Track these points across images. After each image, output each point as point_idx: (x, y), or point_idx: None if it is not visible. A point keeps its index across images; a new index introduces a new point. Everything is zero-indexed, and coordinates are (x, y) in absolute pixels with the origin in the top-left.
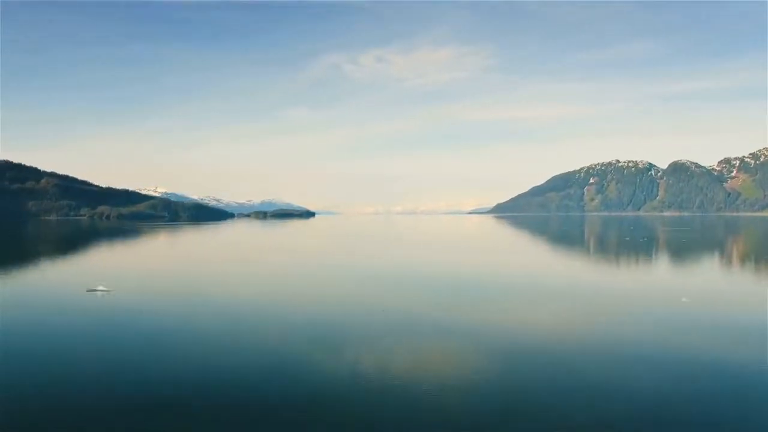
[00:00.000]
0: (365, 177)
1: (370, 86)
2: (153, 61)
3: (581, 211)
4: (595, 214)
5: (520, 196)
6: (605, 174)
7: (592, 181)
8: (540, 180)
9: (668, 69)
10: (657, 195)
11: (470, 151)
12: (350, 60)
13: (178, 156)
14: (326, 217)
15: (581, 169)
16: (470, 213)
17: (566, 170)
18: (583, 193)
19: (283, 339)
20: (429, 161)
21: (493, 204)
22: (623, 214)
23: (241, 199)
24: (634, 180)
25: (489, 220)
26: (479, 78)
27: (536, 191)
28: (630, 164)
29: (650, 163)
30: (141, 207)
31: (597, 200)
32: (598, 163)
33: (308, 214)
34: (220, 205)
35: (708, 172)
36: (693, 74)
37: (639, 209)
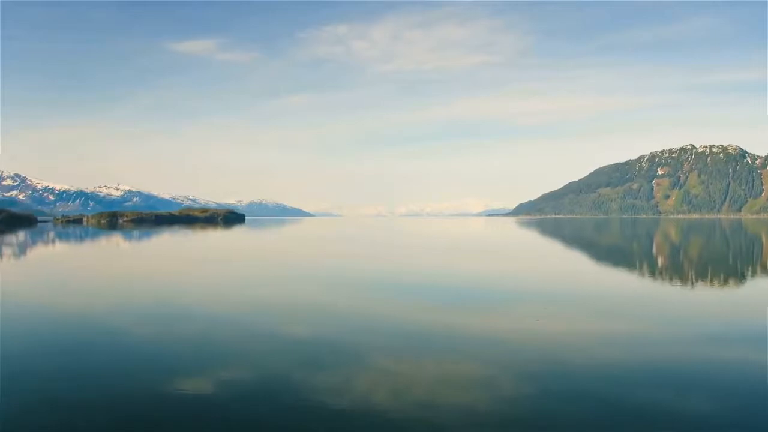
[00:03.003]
0: (369, 176)
1: (381, 70)
2: (124, 46)
3: (654, 212)
4: (680, 216)
5: (551, 195)
6: (679, 163)
7: (660, 172)
8: (577, 175)
9: (729, 53)
10: (761, 191)
11: (487, 147)
12: (359, 34)
13: (154, 152)
14: (299, 221)
15: (641, 158)
16: (489, 215)
17: (613, 161)
18: (652, 188)
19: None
20: (442, 159)
21: (514, 205)
22: (719, 216)
23: (230, 200)
24: (725, 170)
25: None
26: (512, 63)
27: (578, 187)
28: (715, 150)
29: (741, 149)
30: None
31: (675, 197)
32: (665, 150)
33: (232, 219)
34: (195, 206)
35: None
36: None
37: (740, 209)
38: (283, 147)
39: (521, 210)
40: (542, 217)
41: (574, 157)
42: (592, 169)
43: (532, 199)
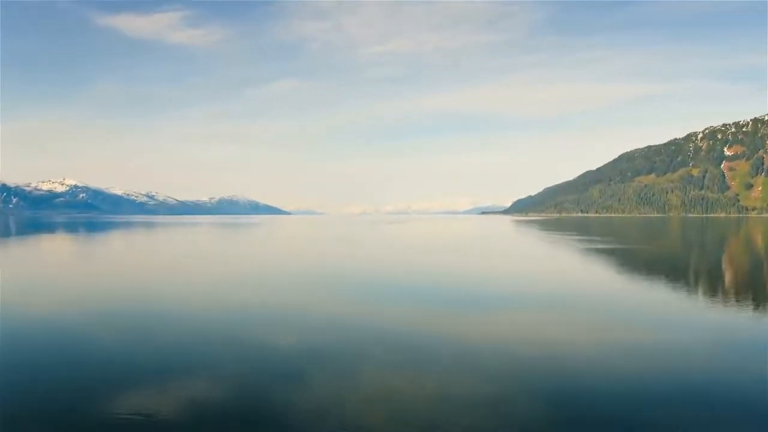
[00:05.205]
0: (355, 172)
1: (374, 52)
2: (78, 32)
3: (736, 208)
4: None
5: (564, 187)
6: (759, 140)
7: (729, 152)
8: (581, 168)
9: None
10: None
11: (476, 142)
12: (350, 8)
13: (109, 146)
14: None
15: (692, 135)
16: (480, 213)
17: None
18: (722, 175)
19: None
20: (430, 154)
21: (507, 202)
22: None
23: (203, 197)
24: None
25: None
26: (521, 44)
27: (606, 175)
28: None
29: None
30: None
31: (763, 187)
32: (730, 124)
33: None
34: (152, 203)
35: None
36: None
37: None
38: (263, 141)
39: (520, 207)
40: (560, 215)
41: (575, 152)
42: (599, 164)
43: (533, 194)
